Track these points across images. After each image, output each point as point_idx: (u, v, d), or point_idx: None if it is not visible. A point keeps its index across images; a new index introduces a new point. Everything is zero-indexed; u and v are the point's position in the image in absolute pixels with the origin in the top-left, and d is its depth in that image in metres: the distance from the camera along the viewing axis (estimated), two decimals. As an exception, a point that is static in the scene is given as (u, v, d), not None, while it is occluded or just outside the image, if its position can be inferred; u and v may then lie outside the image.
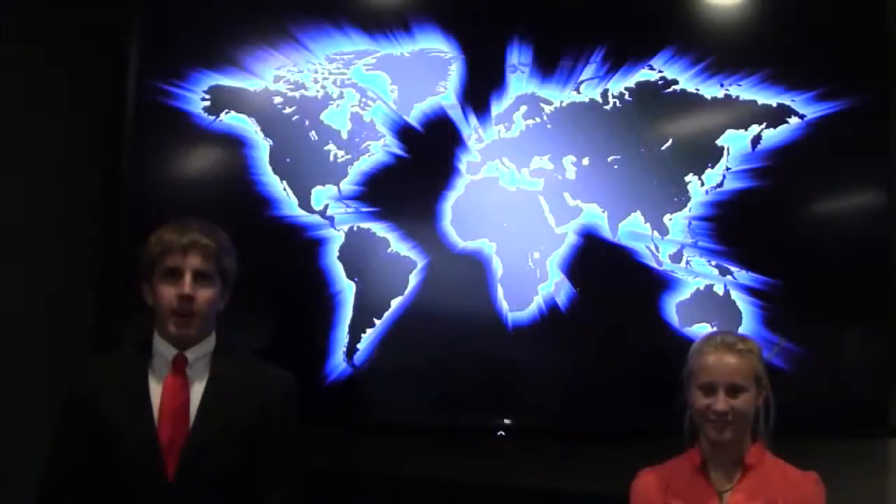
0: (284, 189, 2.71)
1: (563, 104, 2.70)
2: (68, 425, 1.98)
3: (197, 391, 1.97)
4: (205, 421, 1.94)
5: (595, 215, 2.66)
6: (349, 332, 2.67)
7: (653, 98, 2.67)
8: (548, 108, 2.70)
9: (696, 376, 2.01)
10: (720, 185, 2.63)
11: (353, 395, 2.68)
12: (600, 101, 2.69)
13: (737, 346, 2.00)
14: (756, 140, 2.63)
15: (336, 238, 2.70)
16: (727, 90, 2.65)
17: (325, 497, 2.21)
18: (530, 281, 2.66)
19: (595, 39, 2.69)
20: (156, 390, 1.96)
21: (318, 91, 2.74)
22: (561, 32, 2.71)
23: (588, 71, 2.69)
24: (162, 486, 1.90)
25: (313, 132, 2.73)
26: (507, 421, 2.64)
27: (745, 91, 2.64)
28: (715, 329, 2.55)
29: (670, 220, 2.64)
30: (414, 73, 2.74)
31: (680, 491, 2.01)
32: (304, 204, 2.71)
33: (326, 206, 2.71)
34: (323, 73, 2.74)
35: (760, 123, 2.63)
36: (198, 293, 1.96)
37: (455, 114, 2.72)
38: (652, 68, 2.67)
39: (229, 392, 1.97)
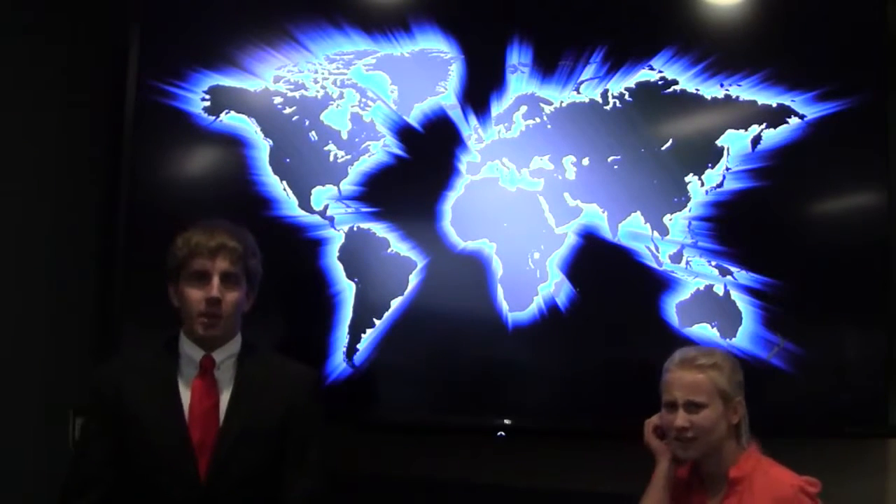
0: (284, 189, 2.71)
1: (563, 104, 2.70)
2: (92, 427, 2.00)
3: (225, 392, 1.99)
4: (234, 421, 1.96)
5: (595, 215, 2.66)
6: (349, 333, 2.67)
7: (653, 98, 2.67)
8: (548, 109, 2.70)
9: (662, 395, 2.02)
10: (720, 185, 2.63)
11: (353, 395, 2.68)
12: (600, 101, 2.69)
13: (697, 361, 1.98)
14: (756, 140, 2.63)
15: (336, 238, 2.70)
16: (727, 90, 2.65)
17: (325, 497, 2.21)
18: (530, 281, 2.66)
19: (595, 39, 2.68)
20: (184, 391, 1.98)
21: (318, 91, 2.74)
22: (561, 32, 2.71)
23: (588, 71, 2.69)
24: (195, 486, 1.92)
25: (313, 132, 2.73)
26: (507, 421, 2.64)
27: (745, 91, 2.64)
28: (715, 328, 2.57)
29: (670, 220, 2.64)
30: (414, 73, 2.74)
31: (684, 500, 2.02)
32: (304, 204, 2.71)
33: (326, 207, 2.71)
34: (323, 74, 2.74)
35: (760, 123, 2.63)
36: (225, 295, 1.98)
37: (455, 114, 2.72)
38: (652, 68, 2.67)
39: (257, 392, 2.00)
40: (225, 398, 1.98)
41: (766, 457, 2.00)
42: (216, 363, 1.99)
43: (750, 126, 2.63)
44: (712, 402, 1.95)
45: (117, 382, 1.98)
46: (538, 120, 2.70)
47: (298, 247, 2.70)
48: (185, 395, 1.97)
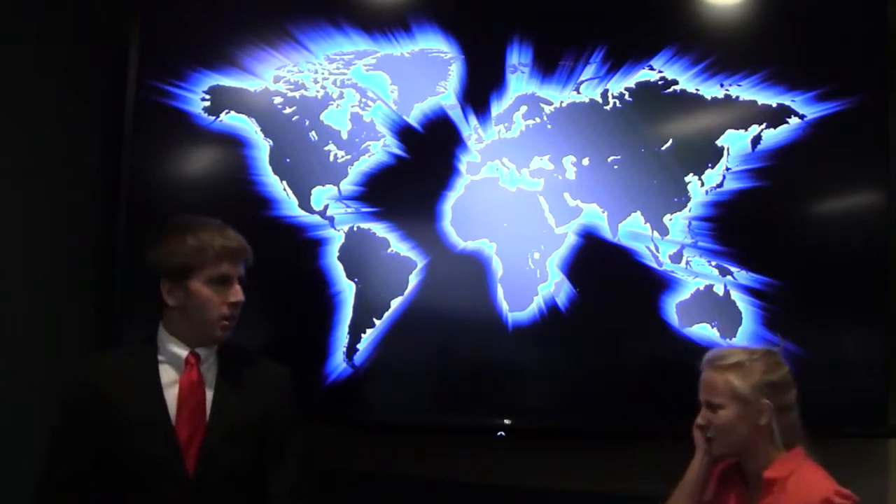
0: (284, 189, 2.71)
1: (563, 104, 2.70)
2: (74, 424, 1.98)
3: (209, 388, 1.99)
4: (220, 417, 1.97)
5: (595, 215, 2.66)
6: (349, 333, 2.67)
7: (653, 98, 2.67)
8: (548, 109, 2.70)
9: None
10: (720, 185, 2.63)
11: (353, 395, 2.68)
12: (600, 101, 2.69)
13: (718, 361, 1.97)
14: (756, 140, 2.63)
15: (336, 238, 2.70)
16: (727, 90, 2.65)
17: (325, 497, 2.21)
18: (530, 281, 2.66)
19: (595, 39, 2.69)
20: (167, 388, 1.97)
21: (318, 91, 2.74)
22: (561, 32, 2.71)
23: (588, 71, 2.69)
24: (184, 482, 1.92)
25: (313, 132, 2.73)
26: (507, 421, 2.64)
27: (745, 91, 2.64)
28: (715, 328, 2.59)
29: (670, 220, 2.64)
30: (414, 73, 2.74)
31: (725, 495, 2.02)
32: (304, 204, 2.71)
33: (326, 207, 2.71)
34: (323, 74, 2.74)
35: (760, 123, 2.63)
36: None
37: (455, 114, 2.72)
38: (652, 68, 2.67)
39: (239, 388, 2.00)
40: (209, 394, 1.98)
41: (810, 460, 1.95)
42: (201, 359, 2.00)
43: (750, 126, 2.63)
44: (729, 404, 1.93)
45: (102, 381, 1.97)
46: (538, 120, 2.70)
47: (298, 247, 2.70)
48: (169, 392, 1.96)
